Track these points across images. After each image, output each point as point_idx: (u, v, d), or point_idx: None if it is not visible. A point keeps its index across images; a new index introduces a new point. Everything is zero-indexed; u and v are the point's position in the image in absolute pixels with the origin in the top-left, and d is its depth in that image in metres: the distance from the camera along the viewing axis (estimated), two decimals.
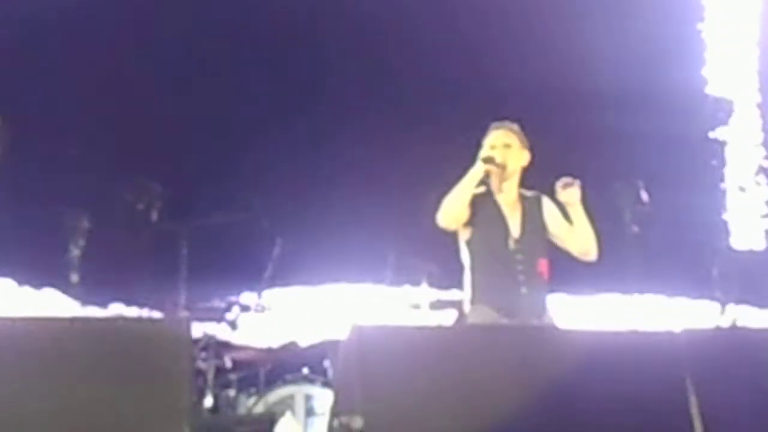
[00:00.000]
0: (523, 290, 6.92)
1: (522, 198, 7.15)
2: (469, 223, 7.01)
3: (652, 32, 11.32)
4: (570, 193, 6.87)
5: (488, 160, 6.89)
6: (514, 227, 7.03)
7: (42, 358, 5.08)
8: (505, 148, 7.03)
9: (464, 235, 7.08)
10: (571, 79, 9.36)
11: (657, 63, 11.30)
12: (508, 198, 7.10)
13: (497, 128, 7.12)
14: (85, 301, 8.52)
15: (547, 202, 7.15)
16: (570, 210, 6.96)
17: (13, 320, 6.28)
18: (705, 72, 12.29)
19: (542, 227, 7.10)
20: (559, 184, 6.88)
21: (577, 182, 6.85)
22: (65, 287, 8.34)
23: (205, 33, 10.57)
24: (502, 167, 6.98)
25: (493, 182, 7.05)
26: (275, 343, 9.03)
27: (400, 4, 10.79)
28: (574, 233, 7.03)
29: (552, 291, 7.16)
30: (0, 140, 6.76)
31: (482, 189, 6.98)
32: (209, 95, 10.25)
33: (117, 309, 9.40)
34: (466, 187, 6.86)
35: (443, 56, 10.74)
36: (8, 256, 8.43)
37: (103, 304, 9.46)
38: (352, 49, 10.80)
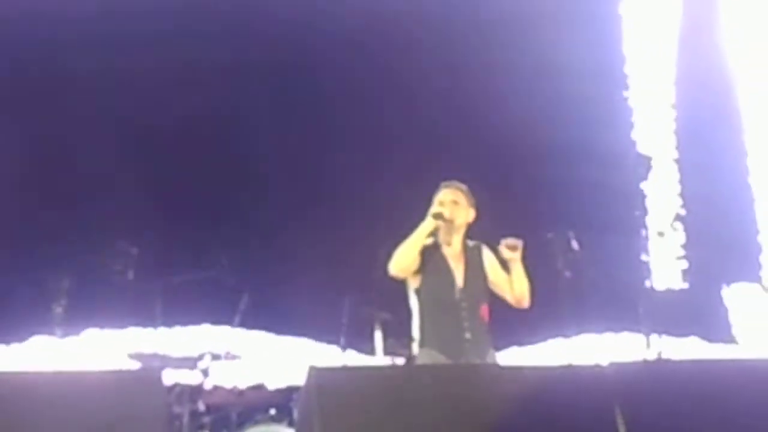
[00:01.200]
0: (467, 335, 6.83)
1: (465, 248, 7.10)
2: (419, 272, 6.94)
3: (584, 96, 11.31)
4: (513, 253, 6.85)
5: (438, 216, 6.82)
6: (459, 278, 6.96)
7: (30, 408, 5.03)
8: (453, 204, 6.97)
9: (414, 283, 7.00)
10: (512, 136, 9.20)
11: (586, 124, 11.31)
12: (454, 250, 7.04)
13: (446, 187, 7.08)
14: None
15: (486, 252, 7.11)
16: (510, 265, 6.92)
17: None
18: (629, 132, 12.37)
19: (483, 276, 7.02)
20: (503, 244, 6.86)
21: (520, 243, 6.84)
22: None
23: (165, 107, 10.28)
24: (450, 222, 6.93)
25: (441, 236, 6.98)
26: (244, 386, 8.87)
27: (347, 72, 10.70)
28: (512, 283, 6.96)
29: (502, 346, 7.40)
30: None
31: (431, 241, 6.94)
32: (172, 164, 10.11)
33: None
34: (417, 239, 6.81)
35: (393, 119, 10.61)
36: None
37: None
38: (308, 118, 10.63)
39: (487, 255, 7.05)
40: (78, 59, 9.94)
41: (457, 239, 7.02)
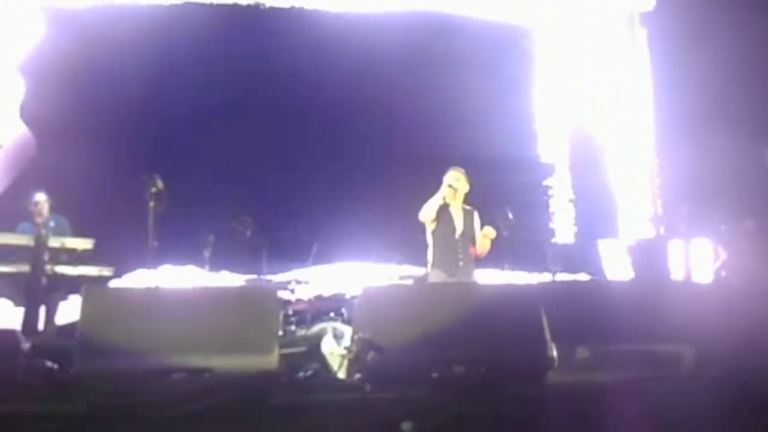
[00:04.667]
0: (461, 263, 7.00)
1: (464, 210, 7.17)
2: (434, 221, 7.06)
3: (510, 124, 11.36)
4: (489, 235, 7.04)
5: (451, 186, 7.01)
6: (459, 227, 7.07)
7: (186, 310, 4.94)
8: (457, 180, 7.10)
9: (431, 227, 7.10)
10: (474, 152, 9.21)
11: (513, 144, 11.42)
12: (456, 209, 7.13)
13: (453, 169, 7.16)
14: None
15: (476, 216, 7.22)
16: (484, 238, 7.07)
17: (169, 289, 6.55)
18: (536, 148, 12.32)
19: (472, 229, 7.14)
20: (486, 229, 7.08)
21: (493, 231, 7.05)
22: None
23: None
24: (456, 191, 7.07)
25: (449, 199, 7.06)
26: (314, 298, 8.69)
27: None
28: (482, 242, 7.09)
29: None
30: (164, 199, 6.58)
31: (443, 202, 7.03)
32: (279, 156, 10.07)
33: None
34: (436, 200, 7.00)
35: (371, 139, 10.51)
36: (175, 252, 8.12)
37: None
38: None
39: (476, 218, 7.19)
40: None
41: (459, 203, 7.13)
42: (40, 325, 6.71)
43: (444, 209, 7.06)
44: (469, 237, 7.07)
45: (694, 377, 4.81)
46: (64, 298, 6.95)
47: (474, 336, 4.99)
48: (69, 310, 6.81)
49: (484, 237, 7.04)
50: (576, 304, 5.45)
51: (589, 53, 12.63)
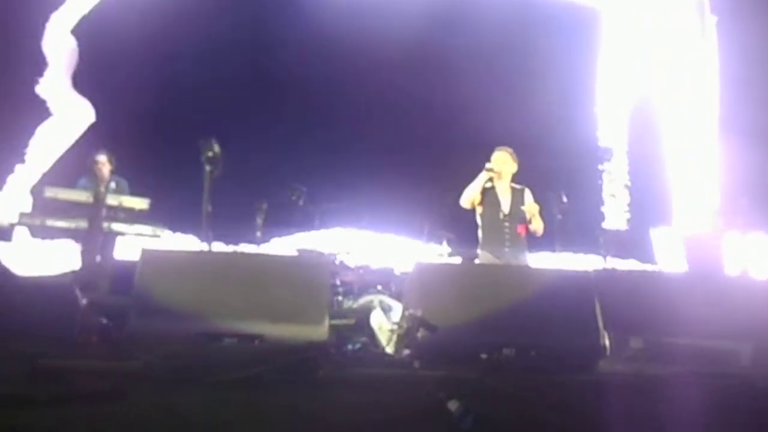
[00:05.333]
0: (507, 245, 6.94)
1: (512, 189, 7.10)
2: (480, 203, 7.07)
3: (568, 108, 11.09)
4: (532, 211, 6.93)
5: (489, 170, 6.94)
6: (505, 207, 7.01)
7: (243, 270, 5.09)
8: (502, 162, 7.05)
9: (479, 210, 7.12)
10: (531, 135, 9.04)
11: (571, 127, 11.12)
12: (503, 190, 7.08)
13: (498, 150, 7.13)
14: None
15: (527, 194, 7.13)
16: (533, 216, 6.96)
17: (223, 254, 6.80)
18: (598, 131, 12.16)
19: (521, 208, 7.03)
20: (529, 206, 6.97)
21: (536, 206, 6.96)
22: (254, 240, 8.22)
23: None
24: (499, 173, 7.02)
25: (495, 181, 7.04)
26: (363, 269, 8.59)
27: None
28: (535, 221, 6.97)
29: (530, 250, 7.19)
30: (219, 163, 6.62)
31: (489, 184, 7.05)
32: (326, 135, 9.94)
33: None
34: (478, 184, 6.99)
35: (430, 122, 10.35)
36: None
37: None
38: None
39: (527, 196, 7.09)
40: None
41: (505, 183, 7.07)
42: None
43: (489, 191, 7.02)
44: (517, 216, 6.98)
45: (750, 374, 4.70)
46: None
47: (526, 320, 5.01)
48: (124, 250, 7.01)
49: (531, 215, 6.94)
50: (631, 294, 5.37)
51: (655, 38, 12.36)
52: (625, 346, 5.18)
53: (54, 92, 9.55)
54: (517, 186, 7.13)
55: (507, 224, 6.95)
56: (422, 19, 10.26)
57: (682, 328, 5.13)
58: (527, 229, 7.01)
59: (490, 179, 7.01)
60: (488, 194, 7.01)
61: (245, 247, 8.70)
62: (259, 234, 8.12)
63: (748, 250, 9.95)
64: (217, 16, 9.79)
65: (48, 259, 7.37)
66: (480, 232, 7.09)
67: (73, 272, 6.69)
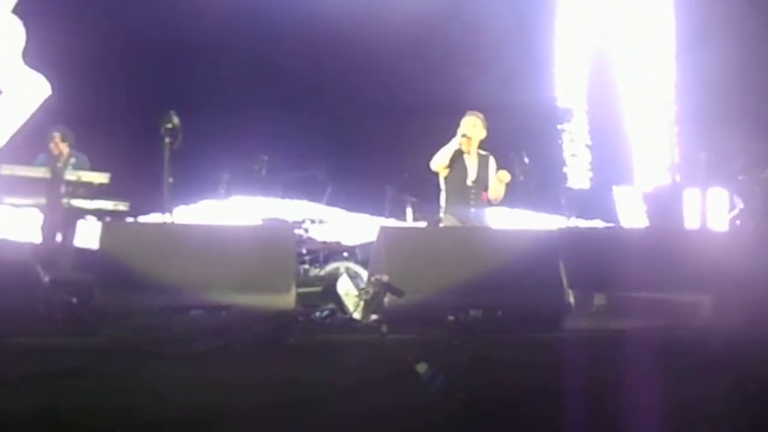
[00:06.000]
0: (473, 209, 6.92)
1: (479, 155, 7.07)
2: (447, 167, 7.00)
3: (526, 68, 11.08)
4: (503, 179, 6.90)
5: (464, 135, 6.90)
6: (472, 173, 6.99)
7: (207, 240, 5.11)
8: (473, 127, 6.98)
9: (443, 174, 7.05)
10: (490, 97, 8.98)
11: (530, 87, 11.15)
12: (471, 156, 7.03)
13: (469, 114, 7.05)
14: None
15: (491, 162, 7.11)
16: (498, 183, 6.94)
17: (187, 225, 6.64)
18: (556, 92, 12.18)
19: (486, 174, 7.03)
20: (500, 173, 6.94)
21: (508, 176, 6.94)
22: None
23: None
24: (470, 138, 6.95)
25: (464, 146, 6.96)
26: (328, 239, 8.81)
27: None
28: (496, 188, 6.97)
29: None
30: (179, 135, 6.54)
31: (458, 148, 6.96)
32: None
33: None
34: (450, 148, 6.91)
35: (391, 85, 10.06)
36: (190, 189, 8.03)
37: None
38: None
39: (491, 163, 7.09)
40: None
41: (474, 149, 7.04)
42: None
43: (458, 156, 6.98)
44: (482, 182, 6.99)
45: (710, 327, 4.79)
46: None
47: (491, 280, 5.04)
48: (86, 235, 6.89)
49: (499, 182, 6.94)
50: (594, 252, 5.54)
51: None
52: (589, 303, 5.26)
53: (1, 70, 9.35)
54: (483, 152, 7.13)
55: (473, 189, 6.95)
56: None
57: (644, 283, 5.22)
58: (487, 194, 7.05)
59: (460, 144, 6.97)
60: (457, 159, 6.98)
61: (207, 203, 8.68)
62: (222, 197, 8.17)
63: (707, 204, 10.10)
64: None
65: (9, 226, 7.20)
66: (443, 196, 7.08)
67: (34, 246, 6.58)
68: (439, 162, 6.95)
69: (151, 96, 8.32)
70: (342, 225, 9.34)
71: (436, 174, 7.11)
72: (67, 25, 8.96)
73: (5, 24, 9.36)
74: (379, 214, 9.13)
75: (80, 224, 6.96)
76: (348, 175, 9.25)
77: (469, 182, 6.96)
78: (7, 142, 9.01)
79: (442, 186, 7.10)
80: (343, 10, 9.70)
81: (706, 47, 10.63)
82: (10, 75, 9.34)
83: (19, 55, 9.34)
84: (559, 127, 12.09)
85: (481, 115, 7.08)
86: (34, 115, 9.24)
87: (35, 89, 9.33)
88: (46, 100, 9.32)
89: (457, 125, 7.00)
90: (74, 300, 4.84)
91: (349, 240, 9.07)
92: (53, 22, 9.10)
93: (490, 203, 7.05)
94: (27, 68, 9.32)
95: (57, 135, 7.58)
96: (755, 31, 10.27)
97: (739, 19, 10.25)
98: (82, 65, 8.90)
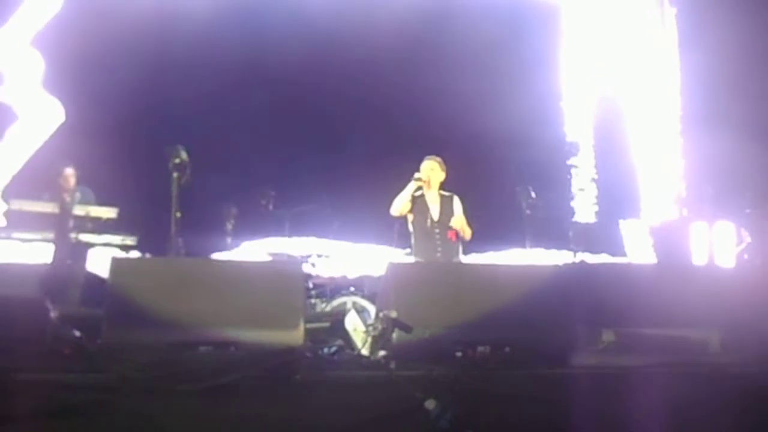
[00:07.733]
0: (439, 251, 7.03)
1: (441, 196, 7.20)
2: (411, 211, 7.16)
3: (533, 107, 11.04)
4: (455, 225, 7.02)
5: (417, 179, 7.06)
6: (434, 214, 7.12)
7: (216, 277, 5.10)
8: (430, 170, 7.16)
9: (409, 218, 7.22)
10: (499, 131, 9.00)
11: (539, 122, 11.14)
12: (432, 198, 7.18)
13: (427, 159, 7.24)
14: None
15: (456, 201, 7.23)
16: (462, 227, 7.07)
17: (195, 260, 6.59)
18: (562, 128, 12.20)
19: (451, 214, 7.12)
20: (453, 220, 7.04)
21: (463, 221, 7.03)
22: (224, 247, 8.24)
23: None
24: (427, 182, 7.12)
25: (425, 189, 7.14)
26: (335, 273, 8.86)
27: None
28: (463, 230, 7.08)
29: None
30: (187, 170, 6.59)
31: (419, 192, 7.12)
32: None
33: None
34: (407, 193, 7.08)
35: (397, 118, 10.21)
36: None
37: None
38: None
39: (456, 203, 7.18)
40: None
41: (434, 191, 7.16)
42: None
43: (419, 199, 7.12)
44: (446, 224, 7.07)
45: (719, 364, 4.78)
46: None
47: (499, 316, 5.05)
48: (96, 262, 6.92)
49: (458, 227, 7.04)
50: (602, 287, 5.39)
51: (616, 31, 12.42)
52: (597, 339, 5.24)
53: (18, 97, 9.48)
54: (446, 193, 7.23)
55: (437, 231, 7.05)
56: (390, 24, 10.13)
57: (652, 319, 5.21)
58: (457, 234, 7.11)
59: (419, 188, 7.09)
60: (418, 202, 7.12)
61: (216, 256, 8.64)
62: (229, 240, 8.19)
63: (714, 238, 10.07)
64: (181, 21, 9.68)
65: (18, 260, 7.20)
66: (412, 239, 7.21)
67: (42, 276, 6.59)
68: (397, 207, 7.09)
69: (160, 131, 8.37)
70: (349, 258, 9.33)
71: (405, 218, 7.25)
72: (77, 60, 9.11)
73: (23, 54, 9.56)
74: (387, 244, 9.02)
75: (91, 252, 6.99)
76: (354, 206, 9.22)
77: (430, 223, 7.07)
78: (14, 177, 9.12)
79: (410, 229, 7.26)
80: (362, 48, 9.87)
81: (710, 79, 10.71)
82: (27, 101, 9.48)
83: (38, 83, 9.50)
84: (569, 161, 12.13)
85: (439, 159, 7.23)
86: (40, 150, 9.34)
87: (50, 115, 9.45)
88: (53, 136, 9.43)
89: (418, 169, 7.15)
90: (82, 335, 4.87)
91: (356, 273, 9.07)
92: (61, 59, 9.24)
93: (462, 241, 7.11)
94: (44, 93, 9.47)
95: (68, 170, 7.65)
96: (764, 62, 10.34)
97: (749, 47, 10.28)
98: (90, 100, 9.04)
